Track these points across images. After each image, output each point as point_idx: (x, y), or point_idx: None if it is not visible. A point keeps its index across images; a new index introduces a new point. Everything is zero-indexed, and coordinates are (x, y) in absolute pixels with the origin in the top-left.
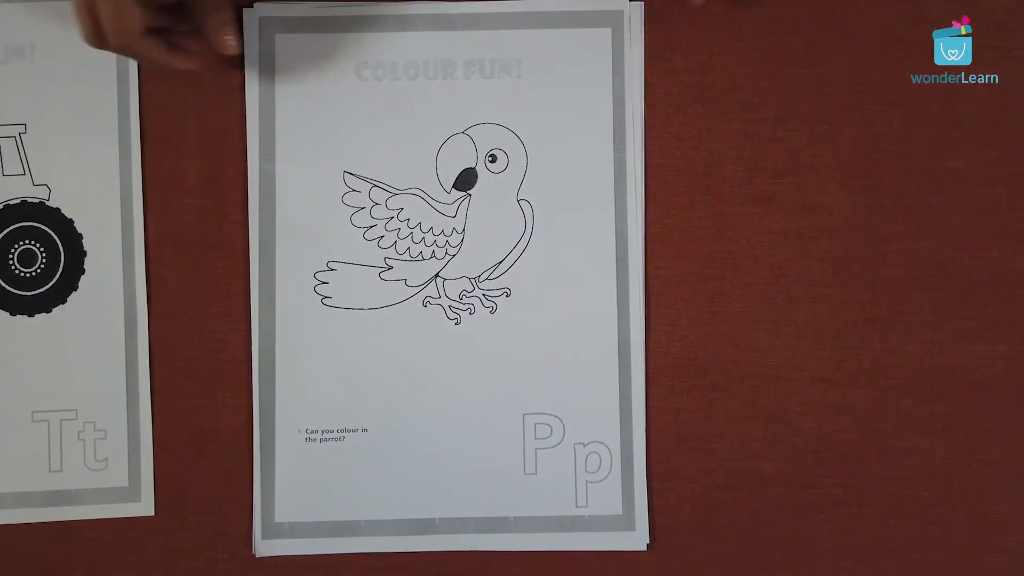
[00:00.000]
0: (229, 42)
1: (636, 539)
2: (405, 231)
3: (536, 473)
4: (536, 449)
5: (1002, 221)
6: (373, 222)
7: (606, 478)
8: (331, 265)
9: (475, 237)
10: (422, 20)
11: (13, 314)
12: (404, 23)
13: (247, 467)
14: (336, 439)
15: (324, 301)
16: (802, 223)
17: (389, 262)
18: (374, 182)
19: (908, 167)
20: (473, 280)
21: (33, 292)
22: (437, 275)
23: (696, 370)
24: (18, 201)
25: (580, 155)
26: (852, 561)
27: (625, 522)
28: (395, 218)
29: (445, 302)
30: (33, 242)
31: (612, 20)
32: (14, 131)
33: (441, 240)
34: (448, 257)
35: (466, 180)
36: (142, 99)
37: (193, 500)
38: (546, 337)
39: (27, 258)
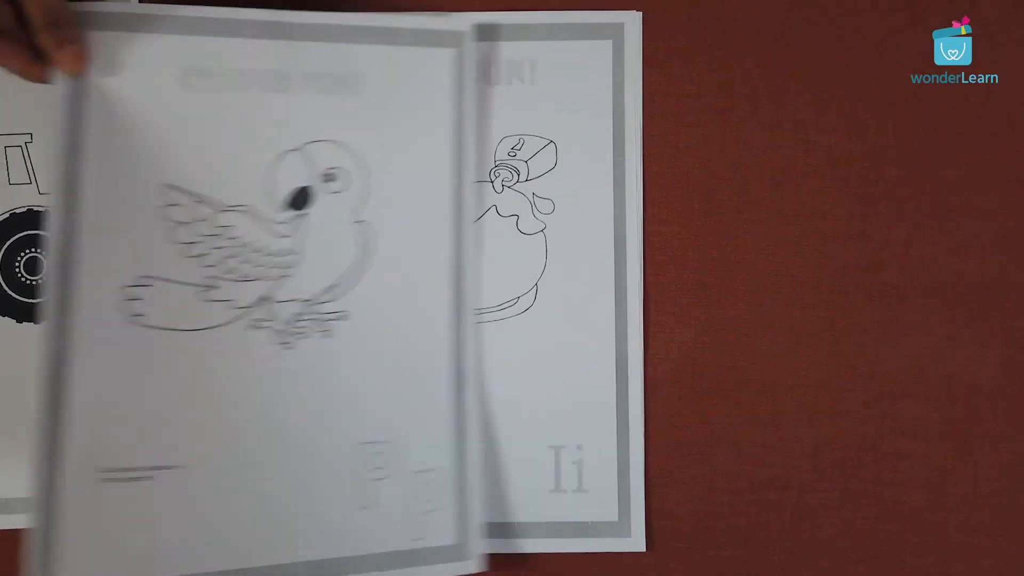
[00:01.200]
0: (71, 61)
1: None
2: (232, 250)
3: (373, 507)
4: (371, 480)
5: (995, 228)
6: (197, 239)
7: (441, 508)
8: (145, 280)
9: (309, 258)
10: (254, 27)
11: (19, 321)
12: (235, 28)
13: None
14: (143, 478)
15: (136, 319)
16: (799, 230)
17: (213, 281)
18: (199, 196)
19: (903, 174)
20: (306, 303)
21: (39, 300)
22: (267, 297)
23: (693, 376)
24: (24, 210)
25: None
26: (849, 564)
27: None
28: (221, 236)
29: (276, 325)
30: (39, 250)
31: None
32: (20, 140)
33: (271, 261)
34: (280, 279)
35: (300, 199)
36: None
37: None
38: (384, 363)
39: (33, 266)
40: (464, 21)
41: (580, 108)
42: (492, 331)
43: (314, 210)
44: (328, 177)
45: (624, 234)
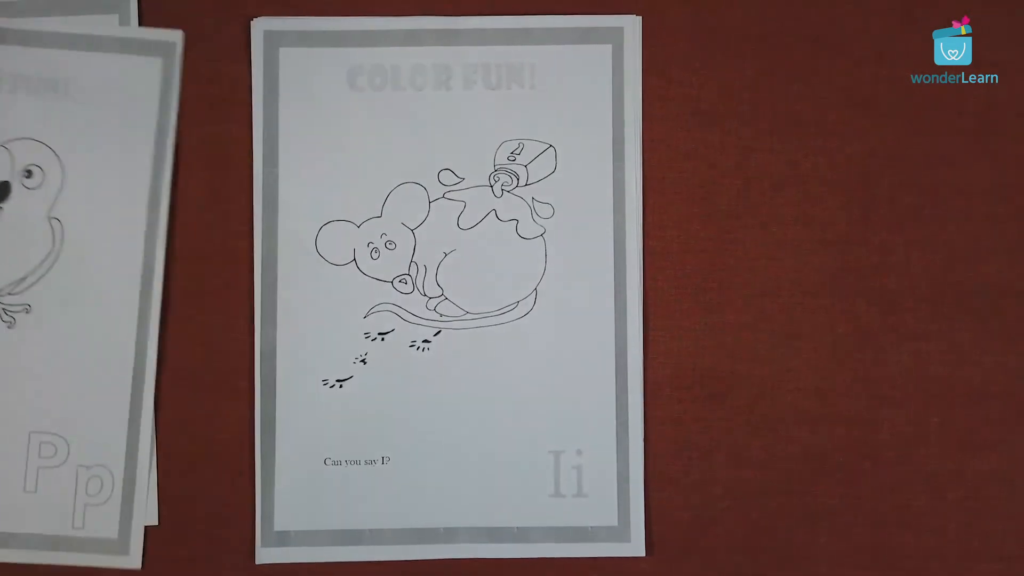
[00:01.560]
0: None
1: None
2: None
3: (35, 492)
4: (38, 468)
5: (995, 233)
6: None
7: (104, 503)
8: None
9: (1, 251)
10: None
11: None
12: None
13: (248, 475)
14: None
15: None
16: (798, 235)
17: None
18: None
19: (903, 179)
20: None
21: None
22: None
23: (693, 381)
24: None
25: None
26: (848, 570)
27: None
28: None
29: None
30: None
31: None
32: None
33: None
34: None
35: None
36: None
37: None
38: (65, 357)
39: None
40: (175, 34)
41: (580, 112)
42: (491, 335)
43: (9, 204)
44: (27, 173)
45: (624, 239)
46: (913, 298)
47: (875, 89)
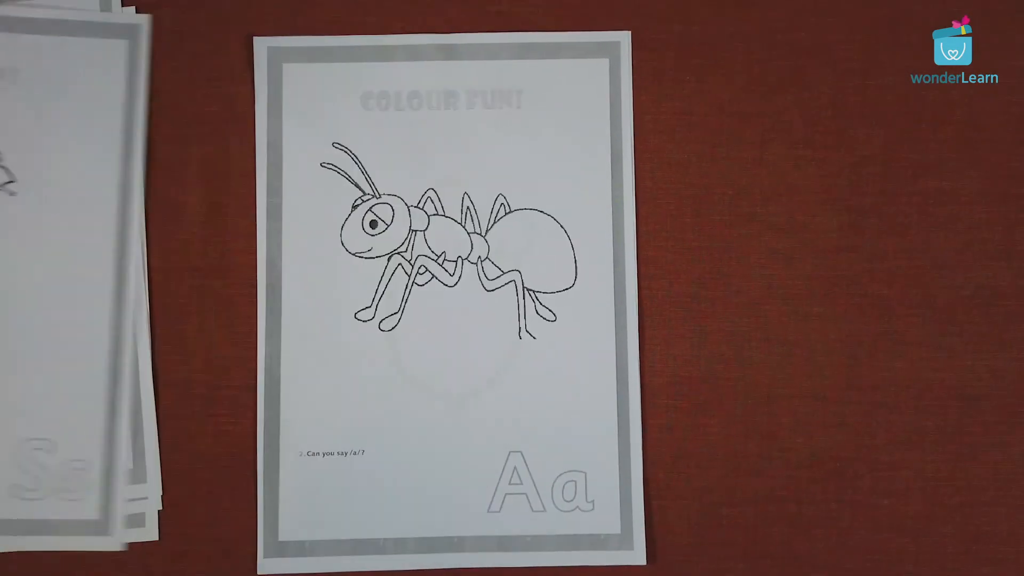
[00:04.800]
0: None
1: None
2: None
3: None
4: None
5: (984, 239)
6: None
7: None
8: None
9: None
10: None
11: None
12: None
13: (251, 489)
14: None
15: None
16: (790, 243)
17: None
18: None
19: (891, 188)
20: None
21: None
22: None
23: (689, 389)
24: None
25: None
26: (846, 574)
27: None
28: None
29: None
30: None
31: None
32: None
33: None
34: None
35: None
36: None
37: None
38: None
39: None
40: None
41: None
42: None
43: None
44: None
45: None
46: (906, 304)
47: (871, 92)
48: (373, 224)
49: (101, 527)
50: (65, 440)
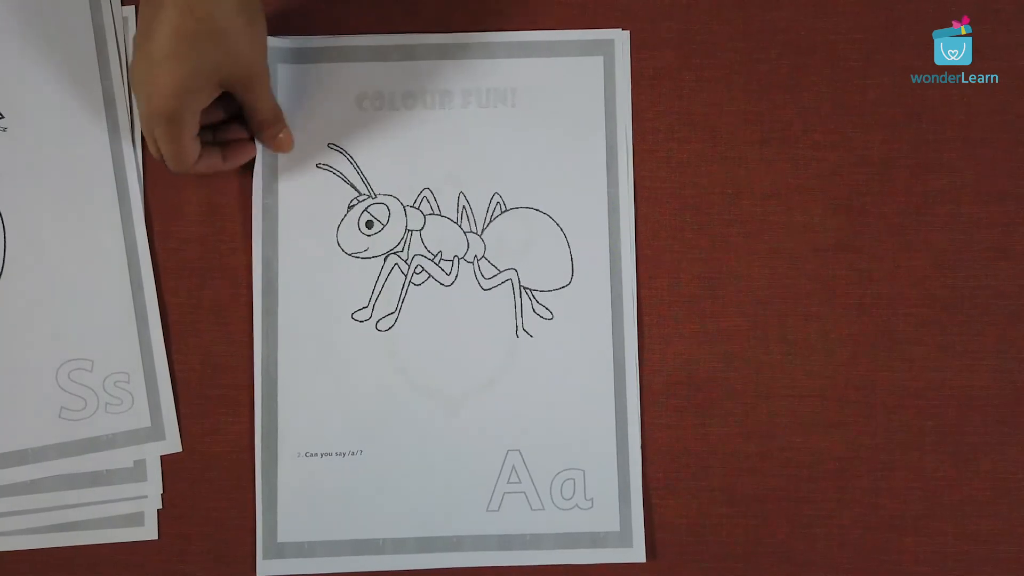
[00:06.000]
0: (286, 144)
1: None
2: None
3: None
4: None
5: (982, 239)
6: None
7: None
8: None
9: None
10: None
11: None
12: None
13: (249, 490)
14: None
15: None
16: (790, 243)
17: None
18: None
19: (890, 188)
20: None
21: None
22: None
23: (689, 388)
24: None
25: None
26: (846, 574)
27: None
28: None
29: None
30: None
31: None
32: None
33: None
34: None
35: None
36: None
37: (196, 523)
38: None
39: None
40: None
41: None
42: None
43: None
44: None
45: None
46: (903, 304)
47: (871, 92)
48: (369, 224)
49: (157, 432)
50: (102, 357)
